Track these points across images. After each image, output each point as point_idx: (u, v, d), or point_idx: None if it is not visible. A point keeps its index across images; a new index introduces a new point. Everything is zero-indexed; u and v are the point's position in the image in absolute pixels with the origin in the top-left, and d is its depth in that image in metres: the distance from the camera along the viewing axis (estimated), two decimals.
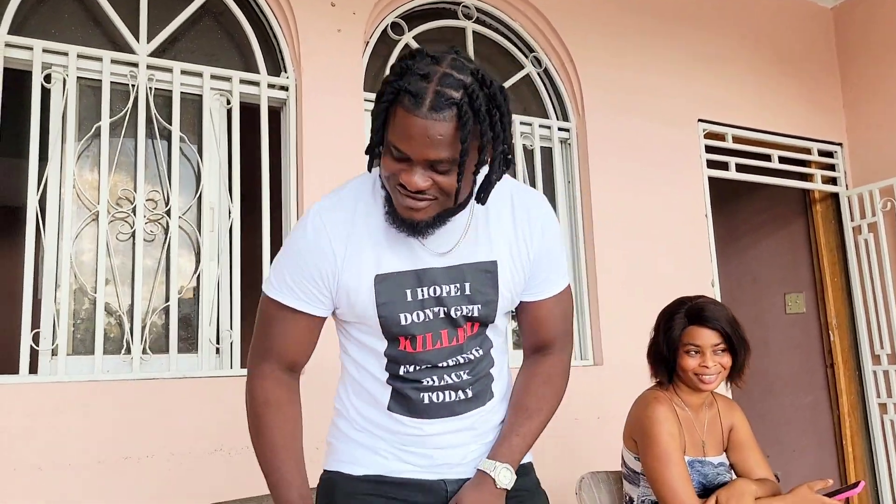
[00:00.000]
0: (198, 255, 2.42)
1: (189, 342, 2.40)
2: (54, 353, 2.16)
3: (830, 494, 1.85)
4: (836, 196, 3.84)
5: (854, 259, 3.72)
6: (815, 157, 3.80)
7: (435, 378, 1.28)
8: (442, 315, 1.26)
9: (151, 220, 2.38)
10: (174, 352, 2.31)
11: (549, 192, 3.13)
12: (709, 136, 3.47)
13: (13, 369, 2.11)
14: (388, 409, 1.30)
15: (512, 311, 1.38)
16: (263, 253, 2.49)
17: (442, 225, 1.19)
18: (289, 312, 1.25)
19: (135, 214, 2.33)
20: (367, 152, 1.19)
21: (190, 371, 2.31)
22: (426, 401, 1.29)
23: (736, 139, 3.54)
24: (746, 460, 2.01)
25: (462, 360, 1.29)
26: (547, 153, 3.15)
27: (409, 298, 1.23)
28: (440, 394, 1.29)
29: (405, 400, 1.29)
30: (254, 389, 1.28)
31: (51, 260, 2.19)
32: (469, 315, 1.27)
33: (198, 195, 2.44)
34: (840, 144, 3.87)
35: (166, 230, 2.39)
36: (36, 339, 2.14)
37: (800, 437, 3.93)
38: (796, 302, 4.01)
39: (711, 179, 3.43)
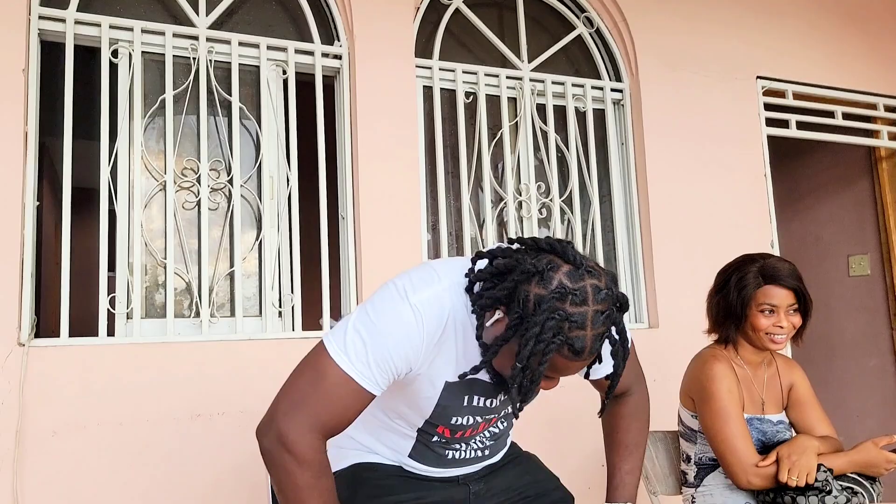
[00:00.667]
0: (259, 222, 2.51)
1: (254, 306, 2.50)
2: (129, 316, 2.28)
3: None
4: None
5: None
6: (880, 113, 3.65)
7: (463, 445, 1.40)
8: (488, 417, 1.35)
9: (215, 189, 2.46)
10: (240, 315, 2.41)
11: (602, 156, 3.11)
12: (768, 93, 3.37)
13: (93, 332, 2.24)
14: (409, 456, 1.39)
15: None
16: (321, 219, 2.56)
17: None
18: (360, 390, 1.19)
19: (199, 184, 2.42)
20: (511, 374, 1.13)
21: (255, 334, 2.41)
22: (449, 456, 1.40)
23: (797, 96, 3.44)
24: (807, 418, 1.98)
25: (489, 434, 1.42)
26: (599, 115, 3.12)
27: (465, 404, 1.31)
28: (463, 453, 1.41)
29: (429, 452, 1.38)
30: (312, 462, 1.19)
31: (123, 228, 2.30)
32: (511, 412, 1.37)
33: (257, 165, 2.51)
34: None
35: (229, 199, 2.47)
36: (112, 303, 2.25)
37: (864, 401, 3.85)
38: (861, 264, 3.89)
39: (771, 138, 3.34)
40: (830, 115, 3.52)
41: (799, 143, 3.68)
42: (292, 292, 2.50)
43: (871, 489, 1.81)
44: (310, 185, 2.57)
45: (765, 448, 1.88)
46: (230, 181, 2.46)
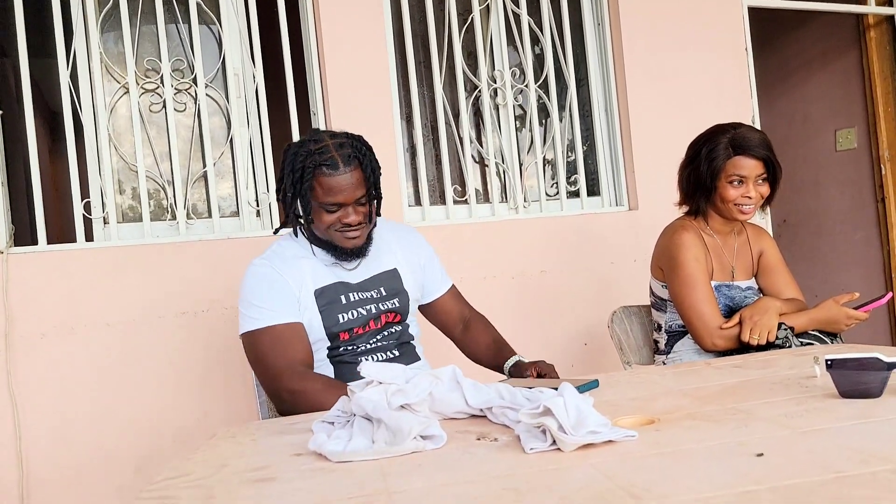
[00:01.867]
0: (228, 121, 2.49)
1: (230, 206, 2.52)
2: (105, 221, 2.30)
3: (858, 308, 1.86)
4: (892, 19, 3.58)
5: None
6: None
7: (369, 354, 1.63)
8: (373, 311, 1.63)
9: (179, 89, 2.43)
10: (216, 215, 2.43)
11: (578, 38, 3.03)
12: None
13: (72, 239, 2.27)
14: None
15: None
16: (291, 115, 2.53)
17: (370, 243, 1.63)
18: (278, 329, 1.52)
19: (163, 84, 2.39)
20: (291, 223, 1.63)
21: (233, 233, 2.44)
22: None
23: None
24: (776, 283, 2.02)
25: (388, 334, 1.66)
26: None
27: (344, 301, 1.60)
28: (374, 356, 1.63)
29: (346, 371, 1.60)
30: (296, 395, 1.47)
31: (90, 134, 2.29)
32: (392, 308, 1.66)
33: (220, 63, 2.47)
34: None
35: (195, 99, 2.44)
36: (87, 208, 2.27)
37: (849, 275, 3.91)
38: (847, 137, 3.85)
39: (752, 10, 3.24)
40: None
41: (786, 18, 3.57)
42: (268, 191, 2.51)
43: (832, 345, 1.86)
44: (277, 82, 2.53)
45: (732, 313, 1.92)
46: (194, 81, 2.43)
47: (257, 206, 2.50)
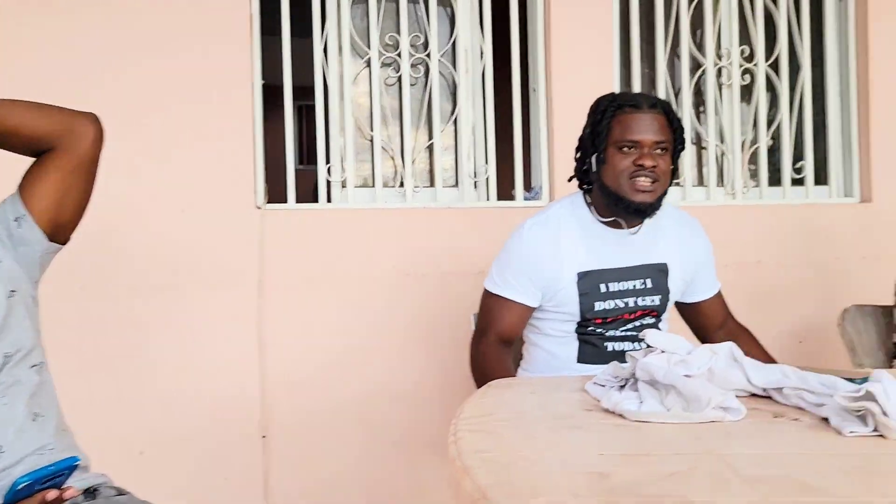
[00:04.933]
0: (454, 96, 2.59)
1: (451, 177, 2.63)
2: (343, 185, 2.49)
3: None
4: None
5: None
6: None
7: (618, 340, 1.64)
8: (631, 305, 1.61)
9: (414, 64, 2.57)
10: (439, 185, 2.55)
11: (816, 13, 2.83)
12: None
13: (316, 199, 2.49)
14: (578, 362, 1.64)
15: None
16: (514, 92, 2.59)
17: (656, 210, 1.55)
18: (505, 301, 1.63)
19: (400, 59, 2.53)
20: (583, 169, 1.63)
21: (453, 202, 2.55)
22: (609, 349, 1.63)
23: None
24: None
25: (638, 324, 1.64)
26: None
27: (603, 290, 1.59)
28: (621, 345, 1.63)
29: (590, 349, 1.64)
30: (477, 355, 1.65)
31: (335, 103, 2.48)
32: (651, 305, 1.63)
33: (452, 39, 2.57)
34: None
35: (426, 74, 2.57)
36: (329, 172, 2.48)
37: None
38: None
39: None
40: None
41: None
42: (486, 164, 2.59)
43: None
44: (502, 59, 2.60)
45: None
46: (427, 56, 2.55)
47: (475, 177, 2.60)
